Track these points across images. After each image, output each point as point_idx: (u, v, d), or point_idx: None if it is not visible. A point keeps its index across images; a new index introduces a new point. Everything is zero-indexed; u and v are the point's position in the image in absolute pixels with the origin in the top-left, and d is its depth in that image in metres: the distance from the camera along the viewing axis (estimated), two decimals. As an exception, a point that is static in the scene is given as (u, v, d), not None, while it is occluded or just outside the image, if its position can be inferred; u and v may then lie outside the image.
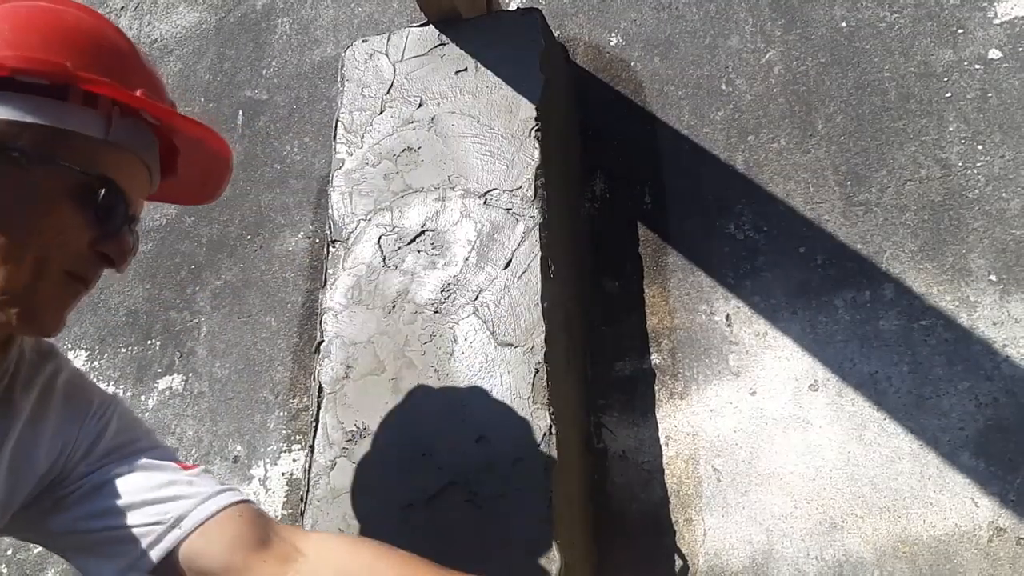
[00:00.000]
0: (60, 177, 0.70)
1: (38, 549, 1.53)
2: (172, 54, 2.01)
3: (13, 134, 0.68)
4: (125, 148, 0.74)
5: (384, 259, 1.27)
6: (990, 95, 1.25)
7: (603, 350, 1.33)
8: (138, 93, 0.72)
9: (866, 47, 1.36)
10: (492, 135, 1.29)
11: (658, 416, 1.25)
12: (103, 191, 0.72)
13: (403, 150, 1.33)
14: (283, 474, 1.42)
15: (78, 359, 1.69)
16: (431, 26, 1.43)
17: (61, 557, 0.82)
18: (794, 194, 1.31)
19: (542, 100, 1.30)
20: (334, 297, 1.26)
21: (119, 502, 0.79)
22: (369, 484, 1.12)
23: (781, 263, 1.27)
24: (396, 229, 1.28)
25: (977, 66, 1.28)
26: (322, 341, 1.25)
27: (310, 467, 1.17)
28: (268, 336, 1.55)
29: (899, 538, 1.08)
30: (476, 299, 1.19)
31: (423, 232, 1.26)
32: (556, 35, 1.55)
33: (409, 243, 1.26)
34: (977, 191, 1.21)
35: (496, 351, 1.14)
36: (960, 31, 1.31)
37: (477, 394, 1.13)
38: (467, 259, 1.22)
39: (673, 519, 1.18)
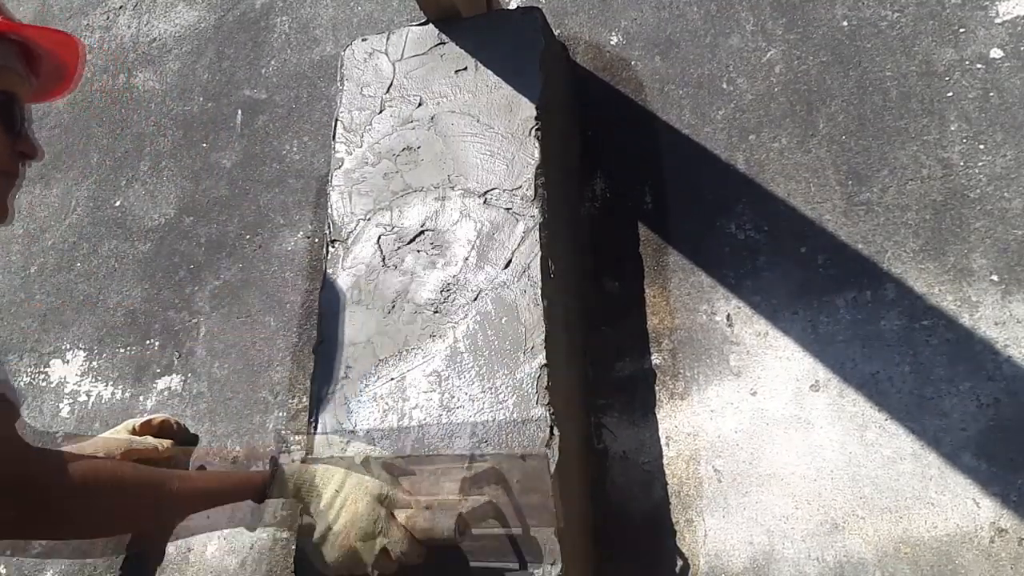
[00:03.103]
0: None
1: (37, 550, 1.52)
2: (171, 53, 2.01)
3: None
4: (4, 66, 0.91)
5: (384, 259, 1.26)
6: (992, 94, 1.25)
7: (603, 350, 1.33)
8: None
9: (867, 46, 1.35)
10: (492, 134, 1.29)
11: (659, 416, 1.25)
12: (10, 104, 0.90)
13: (403, 149, 1.33)
14: (282, 474, 1.41)
15: (76, 359, 1.68)
16: (431, 25, 1.42)
17: None
18: (795, 194, 1.31)
19: (542, 99, 1.29)
20: (333, 297, 1.26)
21: None
22: (368, 485, 1.12)
23: (782, 263, 1.27)
24: (396, 229, 1.28)
25: (979, 65, 1.27)
26: (321, 341, 1.25)
27: (309, 468, 1.16)
28: (267, 336, 1.55)
29: (900, 539, 1.07)
30: (476, 299, 1.18)
31: (423, 232, 1.26)
32: (556, 34, 1.55)
33: (409, 243, 1.26)
34: (979, 191, 1.21)
35: (496, 351, 1.14)
36: (962, 30, 1.30)
37: (477, 395, 1.12)
38: (467, 259, 1.21)
39: (674, 520, 1.18)
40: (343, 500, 0.97)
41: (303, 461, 1.05)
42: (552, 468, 1.02)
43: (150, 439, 1.43)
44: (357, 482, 0.98)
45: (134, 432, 1.43)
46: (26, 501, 0.81)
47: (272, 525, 1.05)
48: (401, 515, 0.96)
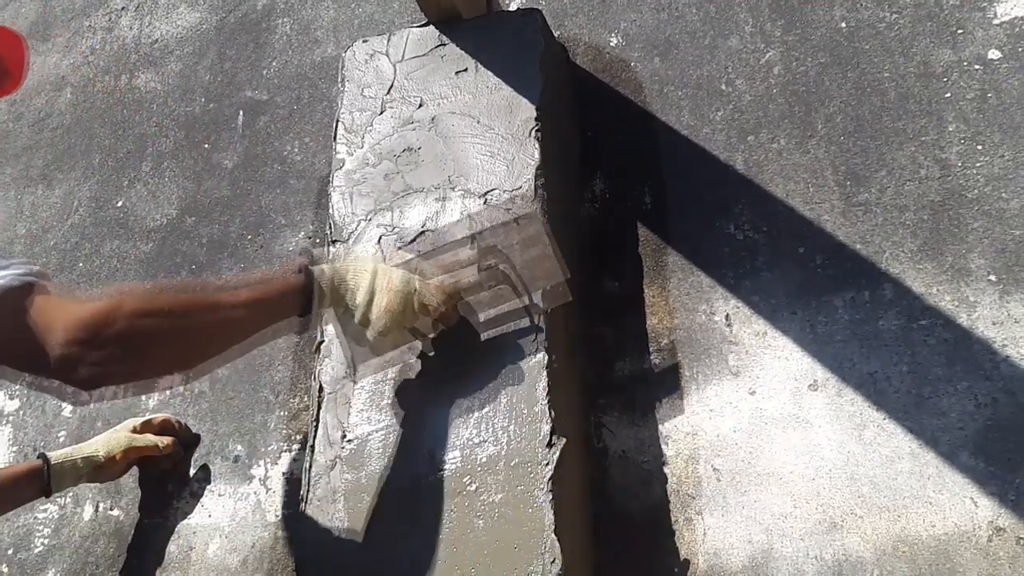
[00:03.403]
0: None
1: (39, 548, 1.53)
2: (173, 54, 2.02)
3: None
4: None
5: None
6: (989, 95, 1.25)
7: (603, 350, 1.33)
8: None
9: (866, 47, 1.36)
10: (492, 135, 1.30)
11: (658, 416, 1.25)
12: None
13: (403, 150, 1.34)
14: (283, 474, 1.42)
15: (79, 359, 1.69)
16: (431, 26, 1.43)
17: None
18: (794, 194, 1.31)
19: (542, 100, 1.30)
20: (334, 297, 1.27)
21: None
22: (369, 484, 1.13)
23: (781, 263, 1.28)
24: (396, 229, 1.28)
25: (977, 66, 1.28)
26: (322, 341, 1.25)
27: (310, 467, 1.17)
28: (268, 336, 1.55)
29: (899, 538, 1.08)
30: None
31: (423, 232, 1.26)
32: (556, 35, 1.55)
33: (409, 243, 1.26)
34: (976, 191, 1.21)
35: (496, 351, 1.14)
36: (960, 31, 1.31)
37: (478, 394, 1.13)
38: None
39: (673, 519, 1.18)
40: (380, 280, 1.04)
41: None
42: (545, 224, 1.12)
43: (151, 436, 1.44)
44: (386, 267, 1.06)
45: (135, 431, 1.44)
46: (111, 347, 0.82)
47: (316, 328, 1.09)
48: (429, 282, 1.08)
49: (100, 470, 1.37)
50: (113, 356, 0.83)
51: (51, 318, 0.82)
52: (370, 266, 1.05)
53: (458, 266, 1.11)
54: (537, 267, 1.11)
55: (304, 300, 1.00)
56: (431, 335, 1.11)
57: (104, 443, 1.39)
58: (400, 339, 1.08)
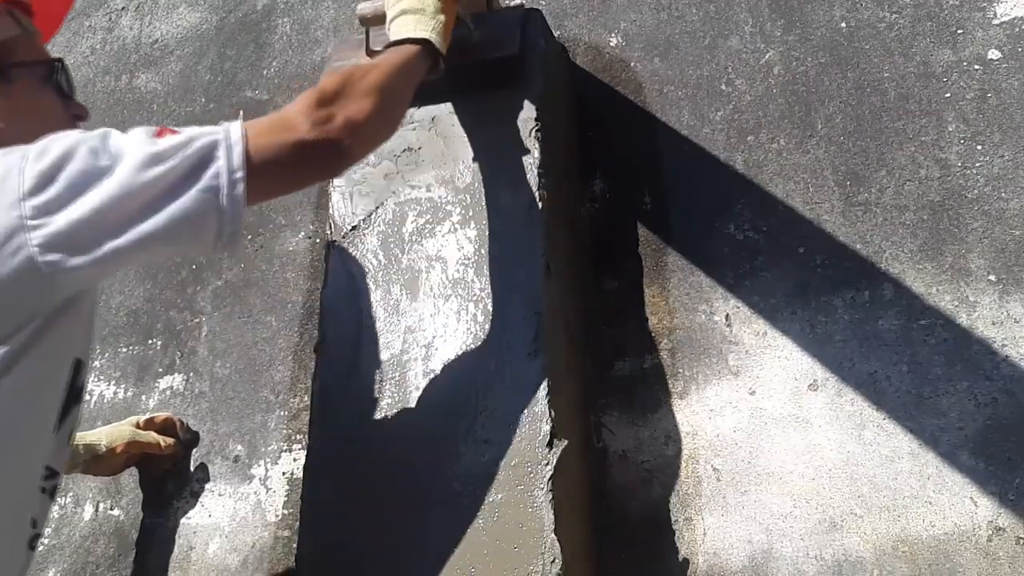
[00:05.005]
0: (29, 75, 0.93)
1: (39, 548, 1.53)
2: (173, 54, 2.02)
3: None
4: (28, 30, 0.95)
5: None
6: (989, 95, 1.25)
7: (603, 350, 1.33)
8: None
9: (865, 47, 1.36)
10: (492, 135, 1.29)
11: (658, 416, 1.25)
12: (61, 70, 0.96)
13: (403, 150, 1.34)
14: (284, 473, 1.42)
15: (79, 359, 1.69)
16: (431, 26, 1.43)
17: None
18: (793, 194, 1.31)
19: (542, 100, 1.30)
20: (334, 297, 1.27)
21: None
22: (369, 485, 1.13)
23: (780, 263, 1.28)
24: (397, 229, 1.28)
25: (976, 66, 1.28)
26: (322, 341, 1.25)
27: (311, 466, 1.17)
28: (269, 336, 1.55)
29: (898, 537, 1.08)
30: (476, 299, 1.19)
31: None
32: (556, 35, 1.55)
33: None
34: (976, 191, 1.21)
35: (496, 351, 1.15)
36: (959, 31, 1.31)
37: (477, 394, 1.13)
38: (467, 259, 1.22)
39: (673, 518, 1.19)
40: None
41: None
42: None
43: (153, 434, 1.44)
44: None
45: (138, 427, 1.44)
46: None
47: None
48: None
49: (98, 461, 1.36)
50: (357, 93, 0.92)
51: (282, 117, 0.90)
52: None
53: None
54: None
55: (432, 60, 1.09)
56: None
57: (107, 434, 1.39)
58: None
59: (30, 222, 0.76)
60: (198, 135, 0.85)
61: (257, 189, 0.86)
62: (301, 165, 0.90)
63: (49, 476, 0.93)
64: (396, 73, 0.99)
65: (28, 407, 0.84)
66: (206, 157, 0.83)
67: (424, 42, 1.05)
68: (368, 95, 0.93)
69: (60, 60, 0.98)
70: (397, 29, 1.08)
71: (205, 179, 0.82)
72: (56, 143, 0.80)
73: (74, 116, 1.00)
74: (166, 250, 0.97)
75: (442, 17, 1.08)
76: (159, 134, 0.84)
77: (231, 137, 0.85)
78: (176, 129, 0.86)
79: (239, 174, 0.83)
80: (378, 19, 1.20)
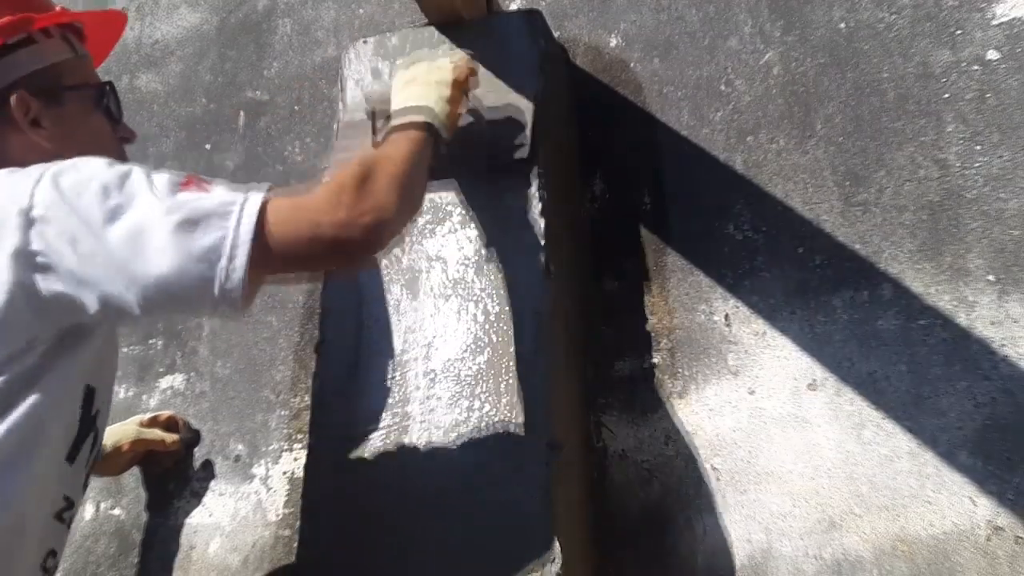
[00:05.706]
0: (80, 98, 0.96)
1: None
2: (174, 55, 2.02)
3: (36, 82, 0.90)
4: (80, 53, 0.98)
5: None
6: (988, 96, 1.26)
7: (603, 350, 1.33)
8: (58, 9, 0.95)
9: (865, 48, 1.36)
10: (492, 136, 1.29)
11: (657, 415, 1.26)
12: (111, 94, 0.99)
13: (404, 151, 1.34)
14: (284, 473, 1.42)
15: (80, 359, 1.69)
16: (431, 27, 1.43)
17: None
18: (793, 194, 1.32)
19: (542, 101, 1.30)
20: (334, 297, 1.27)
21: None
22: (369, 484, 1.13)
23: (780, 263, 1.28)
24: (397, 229, 1.29)
25: (975, 67, 1.28)
26: (323, 340, 1.25)
27: (311, 466, 1.17)
28: (269, 335, 1.56)
29: (898, 537, 1.08)
30: (476, 299, 1.19)
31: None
32: (556, 36, 1.56)
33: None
34: (975, 191, 1.21)
35: (497, 351, 1.15)
36: (958, 32, 1.31)
37: (477, 394, 1.13)
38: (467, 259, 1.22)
39: (672, 518, 1.19)
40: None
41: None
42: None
43: (158, 431, 1.45)
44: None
45: (142, 425, 1.44)
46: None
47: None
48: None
49: (104, 460, 1.37)
50: (380, 191, 0.88)
51: (305, 205, 0.85)
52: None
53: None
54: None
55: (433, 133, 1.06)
56: None
57: (112, 433, 1.39)
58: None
59: (31, 248, 0.77)
60: (215, 201, 0.82)
61: (263, 267, 0.83)
62: (315, 256, 0.87)
63: (67, 507, 0.92)
64: (412, 163, 0.97)
65: (35, 434, 0.82)
66: (214, 224, 0.80)
67: (430, 127, 1.04)
68: (391, 191, 0.90)
69: (110, 83, 1.00)
70: (403, 112, 1.06)
71: (206, 246, 0.79)
72: (71, 171, 0.79)
73: (121, 139, 1.03)
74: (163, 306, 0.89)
75: (447, 108, 1.07)
76: (186, 184, 0.82)
77: (246, 209, 0.82)
78: (206, 180, 0.84)
79: (242, 249, 0.80)
80: (384, 104, 1.17)
